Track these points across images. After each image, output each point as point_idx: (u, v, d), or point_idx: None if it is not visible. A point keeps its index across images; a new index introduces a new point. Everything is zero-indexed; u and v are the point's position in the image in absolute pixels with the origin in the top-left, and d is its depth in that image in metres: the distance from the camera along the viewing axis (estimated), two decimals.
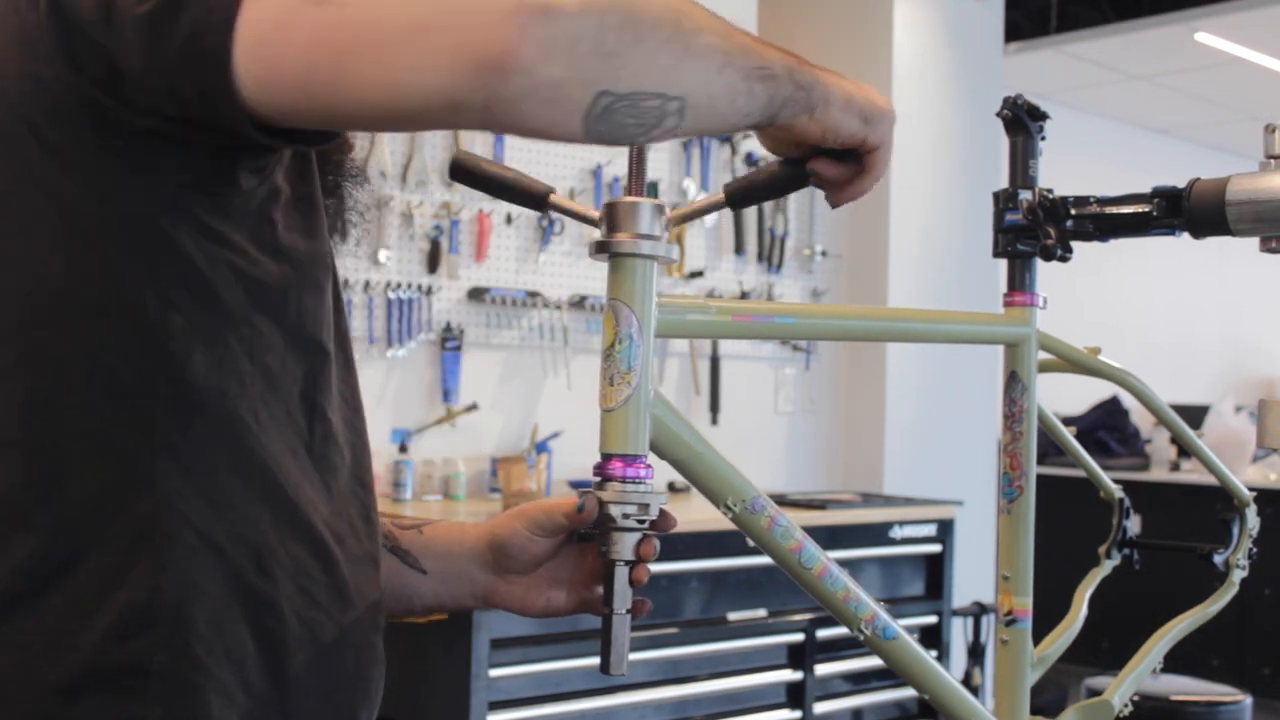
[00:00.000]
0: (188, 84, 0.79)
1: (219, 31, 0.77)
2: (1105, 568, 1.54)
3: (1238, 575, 1.54)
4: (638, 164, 0.97)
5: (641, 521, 0.95)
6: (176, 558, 0.84)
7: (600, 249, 0.96)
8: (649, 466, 0.95)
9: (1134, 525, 1.55)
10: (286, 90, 0.78)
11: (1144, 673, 1.45)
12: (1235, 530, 1.53)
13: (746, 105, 0.86)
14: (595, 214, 0.98)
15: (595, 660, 0.94)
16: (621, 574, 0.95)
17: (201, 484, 0.85)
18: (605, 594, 0.95)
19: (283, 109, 0.80)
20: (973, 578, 4.23)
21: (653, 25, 0.79)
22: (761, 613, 3.33)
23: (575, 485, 3.55)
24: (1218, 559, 1.52)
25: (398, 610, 1.12)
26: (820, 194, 1.01)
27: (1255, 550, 1.54)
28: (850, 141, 0.94)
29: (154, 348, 0.84)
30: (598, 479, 0.95)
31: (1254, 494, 1.55)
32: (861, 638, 1.07)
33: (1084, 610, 1.48)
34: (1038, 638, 1.33)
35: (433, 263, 3.55)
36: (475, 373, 3.65)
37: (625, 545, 0.95)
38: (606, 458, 0.95)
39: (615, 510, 0.94)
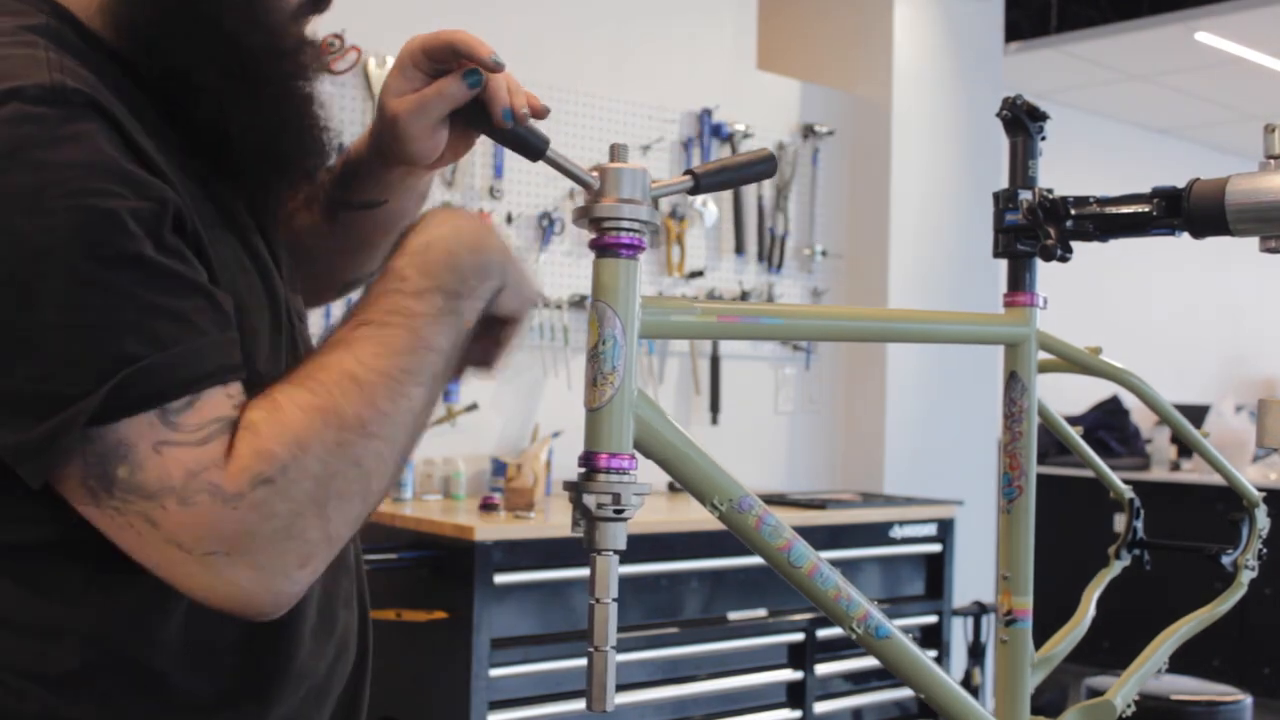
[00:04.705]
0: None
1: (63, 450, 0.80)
2: (1115, 568, 1.52)
3: (1246, 576, 1.52)
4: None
5: (619, 511, 0.95)
6: None
7: (582, 211, 0.98)
8: (633, 459, 0.96)
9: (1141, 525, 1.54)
10: None
11: (1148, 673, 1.44)
12: (1244, 531, 1.52)
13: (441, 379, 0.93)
14: (590, 173, 0.98)
15: None
16: (604, 564, 0.95)
17: None
18: (590, 583, 0.95)
19: None
20: (973, 578, 4.23)
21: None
22: (761, 612, 3.33)
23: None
24: (1226, 560, 1.51)
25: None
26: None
27: (1265, 551, 1.53)
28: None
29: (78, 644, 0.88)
30: (582, 471, 0.96)
31: (1263, 494, 1.55)
32: (854, 636, 1.06)
33: (1091, 611, 1.47)
34: (1038, 638, 1.32)
35: None
36: None
37: (608, 536, 0.95)
38: (591, 453, 0.96)
39: (589, 500, 0.94)
